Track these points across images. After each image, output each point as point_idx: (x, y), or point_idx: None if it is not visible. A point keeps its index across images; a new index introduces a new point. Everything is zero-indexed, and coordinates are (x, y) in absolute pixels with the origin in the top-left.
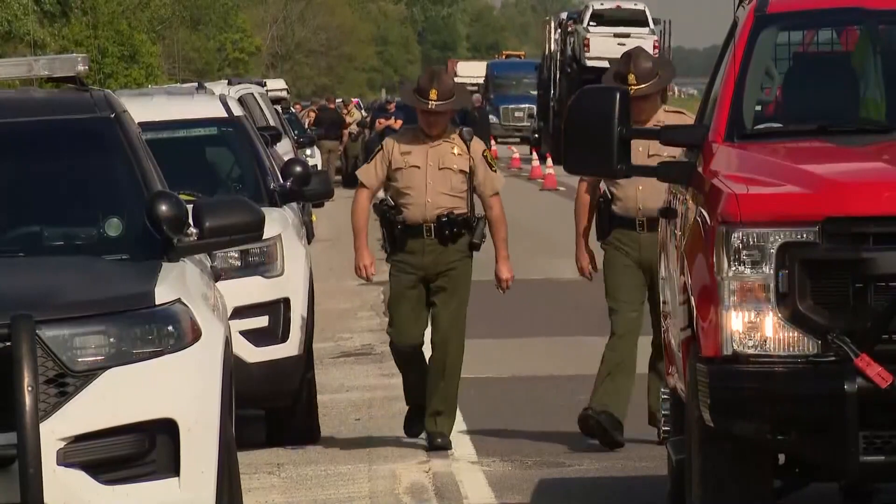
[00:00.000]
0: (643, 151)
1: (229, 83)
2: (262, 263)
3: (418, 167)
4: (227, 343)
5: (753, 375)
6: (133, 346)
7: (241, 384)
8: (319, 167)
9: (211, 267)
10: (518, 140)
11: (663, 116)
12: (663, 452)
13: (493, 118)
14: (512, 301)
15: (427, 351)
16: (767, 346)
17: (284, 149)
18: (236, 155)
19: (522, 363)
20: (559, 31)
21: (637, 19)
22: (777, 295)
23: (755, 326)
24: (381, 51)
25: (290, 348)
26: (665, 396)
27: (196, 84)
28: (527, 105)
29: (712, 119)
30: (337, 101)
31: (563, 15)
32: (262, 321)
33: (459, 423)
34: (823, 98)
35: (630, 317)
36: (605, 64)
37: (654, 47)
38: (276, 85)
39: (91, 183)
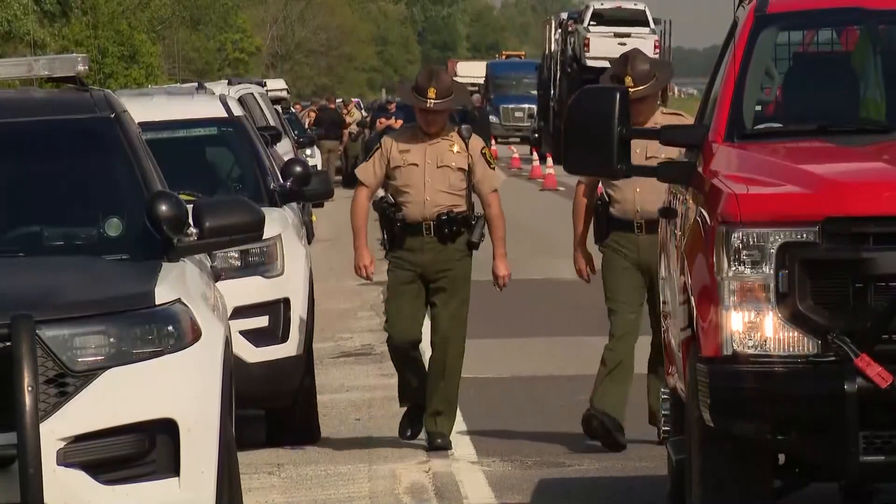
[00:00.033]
0: (640, 153)
1: (229, 83)
2: (262, 263)
3: (417, 165)
4: (227, 343)
5: (753, 375)
6: (133, 346)
7: (241, 384)
8: (319, 167)
9: (211, 267)
10: (518, 140)
11: (661, 118)
12: (663, 452)
13: (493, 118)
14: (512, 301)
15: (426, 351)
16: (767, 346)
17: (284, 149)
18: (236, 155)
19: (522, 363)
20: (559, 30)
21: (637, 19)
22: (777, 295)
23: (755, 326)
24: (381, 51)
25: (290, 348)
26: (665, 396)
27: (196, 84)
28: (527, 105)
29: (712, 119)
30: (337, 101)
31: (564, 15)
32: (262, 321)
33: (459, 423)
34: (823, 98)
35: (629, 318)
36: (606, 64)
37: (655, 47)
38: (276, 85)
39: (91, 183)
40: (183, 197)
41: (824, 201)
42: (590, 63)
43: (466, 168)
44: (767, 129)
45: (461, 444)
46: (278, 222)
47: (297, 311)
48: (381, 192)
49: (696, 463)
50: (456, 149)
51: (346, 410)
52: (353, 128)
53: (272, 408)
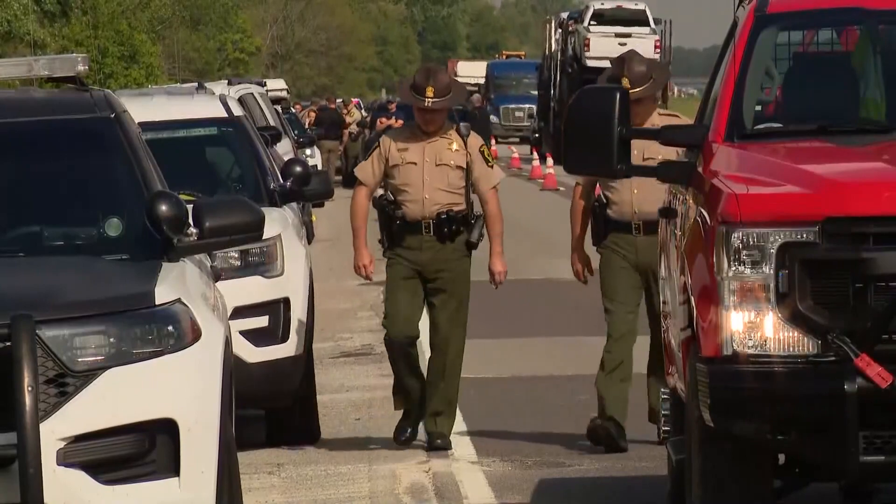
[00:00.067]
0: (638, 154)
1: (229, 83)
2: (262, 263)
3: (415, 164)
4: (227, 343)
5: (753, 375)
6: (133, 346)
7: (241, 384)
8: (319, 167)
9: (211, 267)
10: (518, 140)
11: (658, 120)
12: (663, 452)
13: (493, 118)
14: (512, 301)
15: (424, 352)
16: (767, 346)
17: (284, 149)
18: (236, 155)
19: (522, 363)
20: (560, 30)
21: (638, 19)
22: (777, 295)
23: (755, 326)
24: (381, 51)
25: (289, 348)
26: (665, 396)
27: (196, 84)
28: (527, 105)
29: (712, 119)
30: (337, 101)
31: (564, 15)
32: (262, 321)
33: (459, 423)
34: (823, 98)
35: (627, 318)
36: (606, 64)
37: (656, 47)
38: (276, 85)
39: (91, 183)
40: (183, 197)
41: (824, 201)
42: (590, 63)
43: (465, 166)
44: (767, 129)
45: (461, 444)
46: (278, 222)
47: (297, 311)
48: (380, 191)
49: (696, 463)
50: (454, 147)
51: (346, 410)
52: (353, 128)
53: (272, 408)
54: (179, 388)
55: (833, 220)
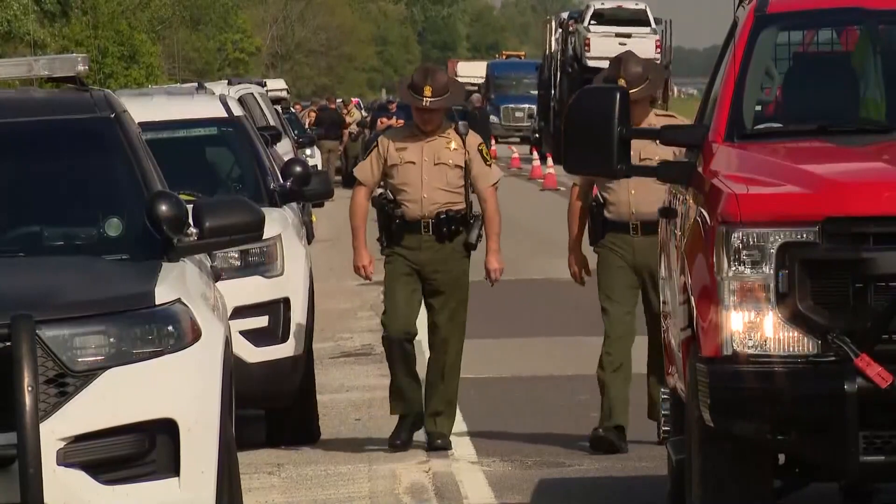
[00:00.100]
0: (634, 155)
1: (229, 83)
2: (262, 263)
3: (414, 163)
4: (227, 343)
5: (753, 375)
6: (133, 346)
7: (241, 384)
8: (319, 167)
9: (211, 267)
10: (518, 140)
11: (654, 120)
12: (663, 452)
13: (493, 118)
14: (512, 301)
15: (423, 353)
16: (767, 346)
17: (284, 149)
18: (236, 155)
19: (522, 363)
20: (560, 30)
21: (638, 19)
22: (777, 295)
23: (755, 326)
24: (381, 51)
25: (289, 348)
26: (665, 396)
27: (196, 84)
28: (527, 105)
29: (712, 119)
30: (337, 101)
31: (564, 14)
32: (261, 321)
33: (459, 423)
34: (823, 98)
35: (624, 319)
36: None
37: (656, 47)
38: (276, 85)
39: (91, 183)
40: (183, 197)
41: (824, 201)
42: (590, 63)
43: (463, 165)
44: (767, 129)
45: (461, 444)
46: (278, 222)
47: (297, 311)
48: (380, 189)
49: (696, 463)
50: (453, 146)
51: (346, 410)
52: (353, 128)
53: (272, 408)
54: (179, 388)
55: (833, 220)
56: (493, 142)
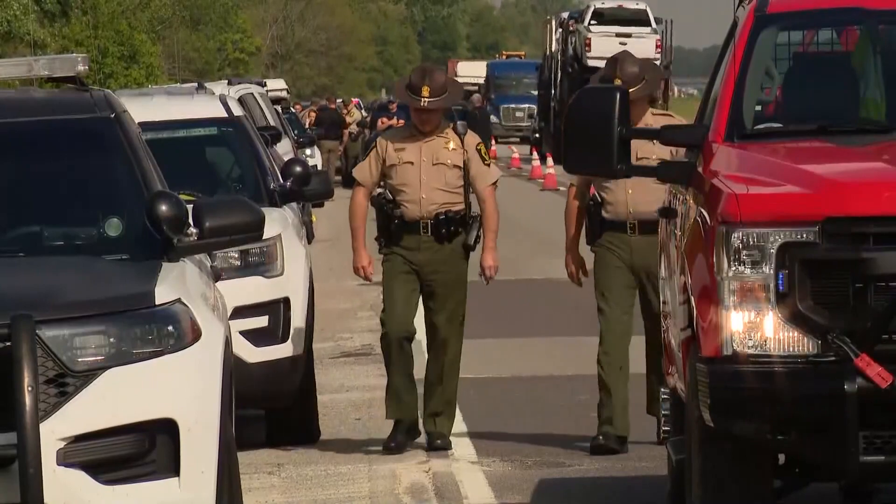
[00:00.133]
0: (632, 155)
1: (229, 83)
2: (262, 263)
3: (412, 163)
4: (227, 343)
5: (753, 375)
6: (133, 346)
7: (241, 384)
8: (319, 167)
9: (211, 267)
10: (518, 140)
11: (651, 120)
12: (663, 452)
13: (493, 118)
14: (512, 301)
15: (421, 353)
16: (767, 346)
17: (284, 149)
18: (236, 155)
19: (522, 363)
20: (560, 30)
21: (639, 18)
22: (777, 295)
23: (755, 326)
24: (381, 51)
25: (289, 348)
26: (665, 396)
27: (196, 84)
28: (527, 105)
29: (712, 119)
30: (337, 101)
31: (565, 14)
32: (261, 321)
33: (459, 423)
34: (823, 98)
35: (622, 319)
36: None
37: (657, 47)
38: (276, 85)
39: (91, 183)
40: (183, 197)
41: (824, 201)
42: (591, 63)
43: (462, 165)
44: (767, 129)
45: (461, 444)
46: (278, 222)
47: (297, 311)
48: (379, 189)
49: (696, 463)
50: (452, 146)
51: (346, 410)
52: (353, 128)
53: (272, 408)
54: (179, 388)
55: (833, 220)
56: (493, 142)
